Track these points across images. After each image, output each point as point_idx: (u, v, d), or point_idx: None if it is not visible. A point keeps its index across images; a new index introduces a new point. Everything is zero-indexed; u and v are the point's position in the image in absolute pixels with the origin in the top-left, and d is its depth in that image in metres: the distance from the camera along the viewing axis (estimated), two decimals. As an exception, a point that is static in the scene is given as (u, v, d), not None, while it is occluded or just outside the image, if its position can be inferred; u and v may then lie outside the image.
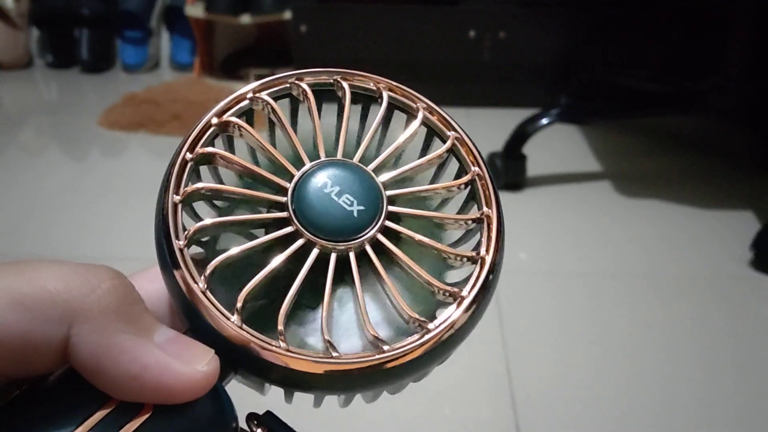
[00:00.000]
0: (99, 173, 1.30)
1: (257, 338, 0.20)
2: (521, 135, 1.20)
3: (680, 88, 1.37)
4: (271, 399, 0.24)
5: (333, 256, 0.21)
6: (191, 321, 0.21)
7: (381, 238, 0.21)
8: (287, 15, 1.66)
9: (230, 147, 0.24)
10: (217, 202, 0.23)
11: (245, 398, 0.23)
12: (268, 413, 0.21)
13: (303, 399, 0.23)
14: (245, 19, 1.70)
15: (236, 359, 0.21)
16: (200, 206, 0.23)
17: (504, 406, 0.72)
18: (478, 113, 1.51)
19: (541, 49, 1.57)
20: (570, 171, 1.29)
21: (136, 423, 0.18)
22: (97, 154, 1.41)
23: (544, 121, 1.22)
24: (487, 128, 1.31)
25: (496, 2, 1.54)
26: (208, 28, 1.85)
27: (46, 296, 0.18)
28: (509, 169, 1.20)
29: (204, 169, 0.23)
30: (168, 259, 0.21)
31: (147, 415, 0.18)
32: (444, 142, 0.24)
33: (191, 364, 0.19)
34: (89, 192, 1.20)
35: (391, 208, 0.22)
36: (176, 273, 0.21)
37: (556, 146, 1.36)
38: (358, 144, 0.23)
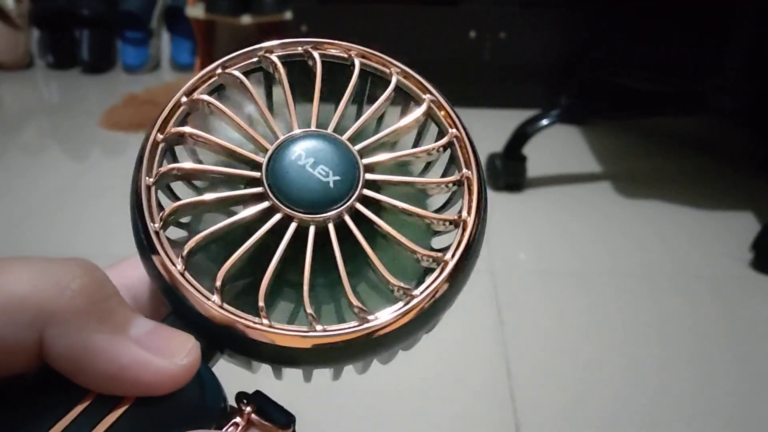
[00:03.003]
0: (99, 173, 1.30)
1: (240, 317, 0.20)
2: (521, 136, 1.20)
3: (680, 89, 1.37)
4: (263, 376, 0.23)
5: (312, 229, 0.21)
6: (173, 304, 0.21)
7: (359, 207, 0.21)
8: (288, 15, 1.66)
9: (206, 127, 0.23)
10: (197, 183, 0.23)
11: (237, 375, 0.23)
12: (257, 392, 0.21)
13: (293, 375, 0.23)
14: (246, 19, 1.70)
15: (221, 339, 0.21)
16: (181, 188, 0.23)
17: (504, 404, 0.72)
18: (479, 114, 1.51)
19: (542, 50, 1.57)
20: (570, 172, 1.29)
21: (116, 413, 0.18)
22: (97, 155, 1.41)
23: (545, 121, 1.22)
24: (487, 129, 1.31)
25: (496, 3, 1.54)
26: (208, 29, 1.85)
27: (16, 301, 0.17)
28: (509, 170, 1.20)
29: (182, 150, 0.23)
30: (144, 242, 0.21)
31: (128, 405, 0.18)
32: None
33: (170, 357, 0.18)
34: (89, 192, 1.20)
35: (369, 176, 0.21)
36: (153, 256, 0.20)
37: (556, 147, 1.36)
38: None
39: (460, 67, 1.59)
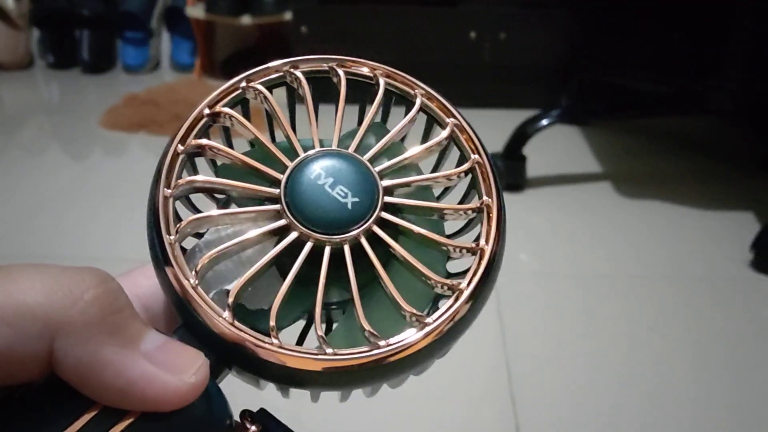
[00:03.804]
0: (100, 174, 1.30)
1: (250, 335, 0.20)
2: (521, 136, 1.20)
3: (681, 89, 1.37)
4: (269, 393, 0.23)
5: (327, 250, 0.20)
6: (184, 317, 0.20)
7: (377, 230, 0.21)
8: (288, 16, 1.66)
9: (228, 139, 0.23)
10: (218, 195, 0.23)
11: (243, 391, 0.23)
12: (262, 410, 0.21)
13: (300, 394, 0.22)
14: (246, 20, 1.70)
15: (230, 356, 0.20)
16: (203, 201, 0.22)
17: (504, 406, 0.72)
18: (479, 114, 1.51)
19: (542, 50, 1.57)
20: (570, 172, 1.29)
21: (121, 426, 0.18)
22: (97, 155, 1.41)
23: (545, 122, 1.22)
24: (487, 129, 1.30)
25: (496, 3, 1.54)
26: (208, 29, 1.85)
27: (26, 311, 0.17)
28: (509, 170, 1.20)
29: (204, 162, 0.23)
30: (159, 255, 0.21)
31: (133, 419, 0.18)
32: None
33: (179, 374, 0.18)
34: (90, 192, 1.20)
35: (387, 199, 0.21)
36: (167, 268, 0.20)
37: (557, 147, 1.36)
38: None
39: (461, 68, 1.59)
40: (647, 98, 1.42)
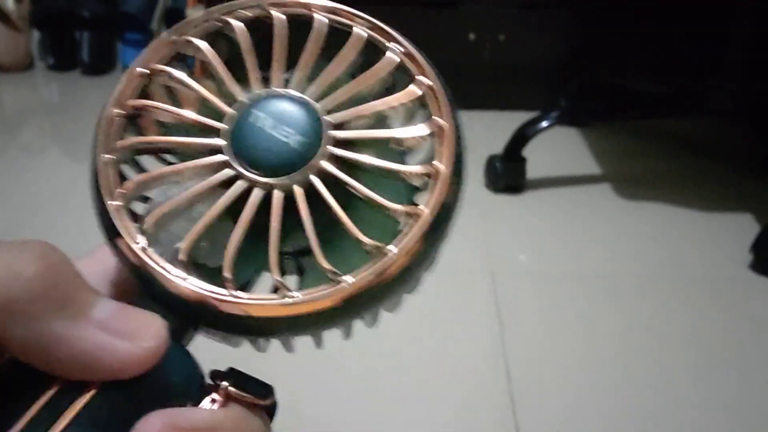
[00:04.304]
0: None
1: (208, 290, 0.19)
2: (521, 137, 1.20)
3: (680, 90, 1.37)
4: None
5: (276, 193, 0.20)
6: (141, 283, 0.20)
7: (325, 165, 0.20)
8: (288, 17, 1.66)
9: (171, 97, 0.22)
10: (167, 157, 0.22)
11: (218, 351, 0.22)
12: (231, 369, 0.20)
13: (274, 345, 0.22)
14: (246, 21, 1.70)
15: (193, 316, 0.20)
16: (154, 163, 0.22)
17: (503, 406, 0.72)
18: (478, 116, 1.51)
19: (541, 52, 1.57)
20: (570, 173, 1.29)
21: (84, 399, 0.18)
22: (97, 156, 1.41)
23: (544, 123, 1.22)
24: (486, 131, 1.31)
25: (495, 4, 1.54)
26: (208, 31, 1.85)
27: None
28: (509, 172, 1.20)
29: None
30: (105, 222, 0.20)
31: (96, 390, 0.18)
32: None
33: (135, 340, 0.18)
34: (89, 193, 1.20)
35: (335, 133, 0.20)
36: (115, 237, 0.20)
37: (556, 149, 1.36)
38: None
39: (460, 69, 1.58)
40: (647, 99, 1.42)
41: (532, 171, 1.22)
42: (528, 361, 0.79)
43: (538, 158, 1.24)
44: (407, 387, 0.75)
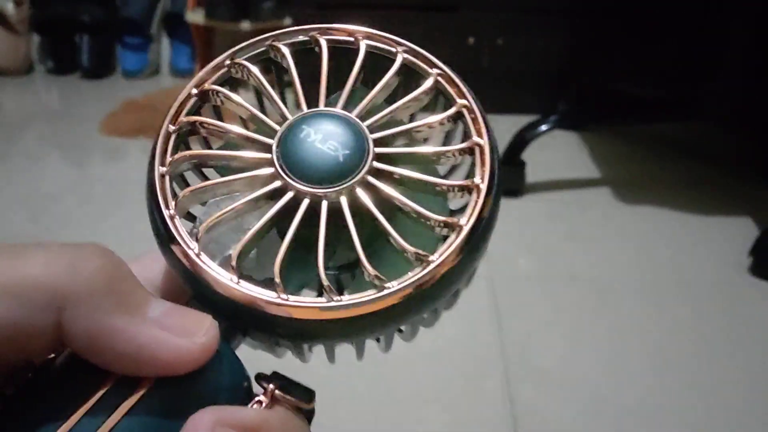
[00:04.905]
0: (99, 179, 1.30)
1: (257, 293, 0.20)
2: (520, 141, 1.21)
3: (679, 95, 1.37)
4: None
5: (324, 204, 0.21)
6: (192, 287, 0.21)
7: (370, 178, 0.21)
8: (287, 22, 1.67)
9: (219, 118, 0.23)
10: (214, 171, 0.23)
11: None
12: (275, 373, 0.21)
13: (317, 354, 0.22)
14: (245, 25, 1.71)
15: (241, 319, 0.21)
16: (195, 179, 0.23)
17: (503, 409, 0.72)
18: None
19: (540, 56, 1.57)
20: (569, 177, 1.30)
21: (138, 394, 0.18)
22: (97, 160, 1.42)
23: (543, 127, 1.22)
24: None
25: (494, 9, 1.55)
26: (208, 35, 1.85)
27: (31, 282, 0.17)
28: (508, 176, 1.20)
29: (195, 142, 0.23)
30: (161, 230, 0.21)
31: (149, 386, 0.18)
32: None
33: (188, 336, 0.18)
34: (89, 197, 1.21)
35: (378, 150, 0.21)
36: (171, 243, 0.21)
37: (555, 153, 1.37)
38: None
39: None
40: (646, 103, 1.42)
41: (532, 175, 1.22)
42: (527, 364, 0.79)
43: (538, 162, 1.24)
44: (407, 389, 0.75)
